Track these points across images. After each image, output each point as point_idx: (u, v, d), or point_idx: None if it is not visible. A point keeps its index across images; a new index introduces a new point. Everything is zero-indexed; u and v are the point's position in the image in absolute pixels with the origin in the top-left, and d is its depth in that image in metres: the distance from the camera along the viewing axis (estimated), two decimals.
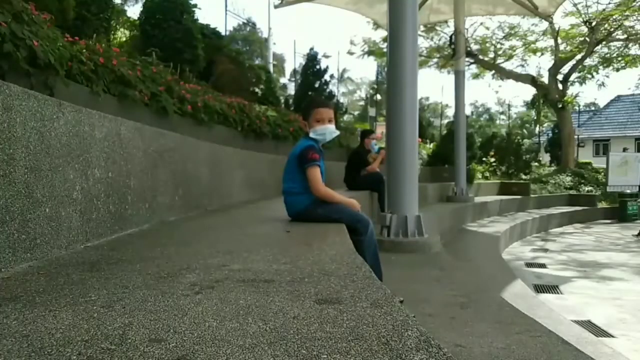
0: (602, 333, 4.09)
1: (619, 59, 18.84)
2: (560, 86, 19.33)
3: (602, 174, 17.63)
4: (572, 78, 19.80)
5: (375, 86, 32.20)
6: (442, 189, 10.80)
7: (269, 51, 23.08)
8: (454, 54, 10.48)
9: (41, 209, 1.77)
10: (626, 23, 17.25)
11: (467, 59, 15.44)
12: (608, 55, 19.18)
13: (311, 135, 3.08)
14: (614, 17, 16.76)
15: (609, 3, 16.63)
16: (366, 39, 20.07)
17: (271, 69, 18.78)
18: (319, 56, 17.63)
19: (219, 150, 4.74)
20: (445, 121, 34.23)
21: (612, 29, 17.52)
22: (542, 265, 7.62)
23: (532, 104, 25.17)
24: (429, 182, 10.59)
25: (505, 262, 6.93)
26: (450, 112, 37.83)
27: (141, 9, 8.54)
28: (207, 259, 1.81)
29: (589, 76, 19.67)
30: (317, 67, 17.23)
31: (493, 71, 20.64)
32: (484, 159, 16.90)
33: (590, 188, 17.37)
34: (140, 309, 1.18)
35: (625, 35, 17.87)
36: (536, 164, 19.89)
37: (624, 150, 18.98)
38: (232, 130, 6.87)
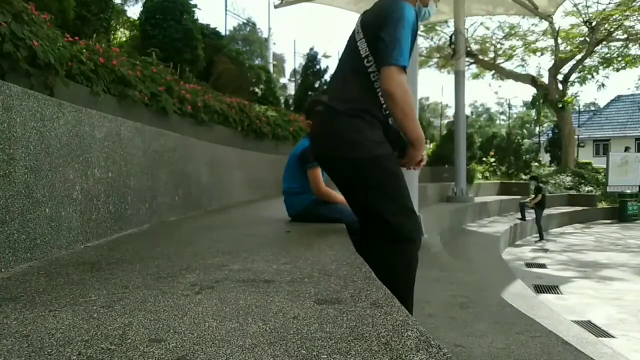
0: (602, 333, 4.09)
1: (619, 59, 18.83)
2: (560, 86, 19.33)
3: (602, 174, 17.63)
4: (572, 78, 19.81)
5: None
6: (442, 189, 10.80)
7: (269, 51, 23.03)
8: (453, 54, 10.45)
9: (41, 209, 1.77)
10: (626, 23, 17.25)
11: (467, 59, 15.43)
12: (608, 55, 19.17)
13: None
14: (614, 17, 16.75)
15: (609, 3, 16.63)
16: None
17: (271, 69, 18.76)
18: (319, 56, 17.58)
19: (219, 150, 4.74)
20: (445, 121, 34.16)
21: (612, 29, 17.51)
22: (542, 266, 7.62)
23: (532, 104, 25.17)
24: (429, 182, 10.58)
25: (505, 262, 6.93)
26: (450, 112, 37.85)
27: (141, 9, 8.54)
28: (207, 259, 1.80)
29: (589, 76, 19.68)
30: (317, 67, 17.18)
31: (493, 71, 20.63)
32: (484, 159, 16.91)
33: (590, 188, 17.38)
34: (140, 309, 1.18)
35: (625, 35, 17.86)
36: (536, 164, 19.90)
37: (626, 149, 18.97)
38: (232, 130, 6.87)
